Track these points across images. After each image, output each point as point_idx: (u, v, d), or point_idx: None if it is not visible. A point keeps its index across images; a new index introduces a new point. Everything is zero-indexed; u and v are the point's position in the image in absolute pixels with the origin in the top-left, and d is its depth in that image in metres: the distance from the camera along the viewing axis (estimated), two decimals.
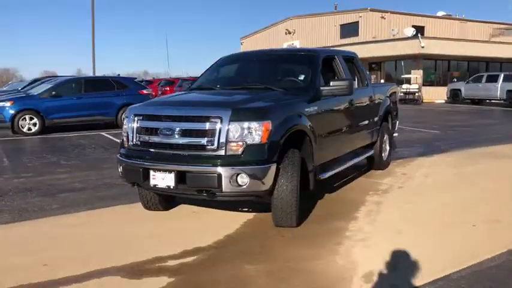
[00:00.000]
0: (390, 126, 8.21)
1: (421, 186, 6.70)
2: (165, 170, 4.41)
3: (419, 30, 39.87)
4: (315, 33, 47.43)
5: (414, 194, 6.23)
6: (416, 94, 30.11)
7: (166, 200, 5.30)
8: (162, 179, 4.42)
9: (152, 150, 4.59)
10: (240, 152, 4.28)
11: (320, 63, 5.73)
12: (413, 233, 4.58)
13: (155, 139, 4.58)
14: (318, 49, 6.31)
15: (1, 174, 7.84)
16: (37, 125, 13.57)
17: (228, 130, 4.29)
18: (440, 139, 12.23)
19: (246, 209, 5.37)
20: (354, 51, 7.33)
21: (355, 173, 7.51)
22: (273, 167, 4.39)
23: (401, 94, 30.81)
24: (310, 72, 5.59)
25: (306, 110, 5.03)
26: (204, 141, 4.35)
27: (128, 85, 15.29)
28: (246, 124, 4.31)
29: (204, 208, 5.47)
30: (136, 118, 4.75)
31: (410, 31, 37.19)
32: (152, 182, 4.49)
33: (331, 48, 6.96)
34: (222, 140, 4.29)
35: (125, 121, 4.94)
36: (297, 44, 49.02)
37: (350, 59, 7.04)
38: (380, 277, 3.55)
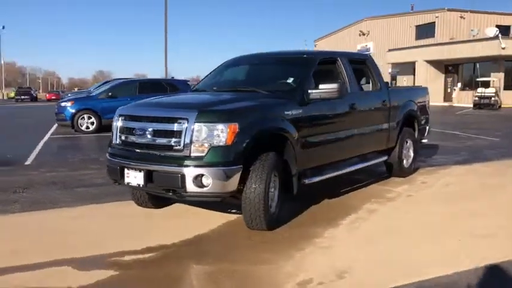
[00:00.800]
0: (416, 132, 7.81)
1: (433, 196, 6.31)
2: (136, 169, 4.59)
3: (504, 30, 37.22)
4: (389, 34, 46.00)
5: (418, 204, 5.89)
6: (493, 99, 28.09)
7: (154, 198, 5.48)
8: (134, 178, 4.61)
9: (128, 149, 4.79)
10: (204, 153, 4.34)
11: (313, 66, 5.63)
12: (385, 244, 4.35)
13: (132, 139, 4.78)
14: (315, 52, 6.18)
15: (39, 168, 8.53)
16: (94, 124, 14.57)
17: (193, 131, 4.38)
18: (494, 147, 11.38)
19: (235, 211, 5.40)
20: (367, 54, 7.06)
21: (371, 179, 7.26)
22: (238, 169, 4.39)
23: (476, 98, 28.98)
24: (300, 75, 5.50)
25: (288, 113, 4.96)
26: (172, 141, 4.47)
27: (179, 87, 15.86)
28: (211, 126, 4.36)
29: (197, 208, 5.57)
30: (120, 118, 4.98)
31: (493, 31, 34.85)
32: (126, 180, 4.69)
33: (336, 50, 6.72)
34: (188, 140, 4.38)
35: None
36: (371, 45, 47.85)
37: (361, 61, 6.81)
38: (317, 285, 3.44)
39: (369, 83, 6.89)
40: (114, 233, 4.79)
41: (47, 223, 5.18)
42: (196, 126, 4.38)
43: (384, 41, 45.61)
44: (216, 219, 5.13)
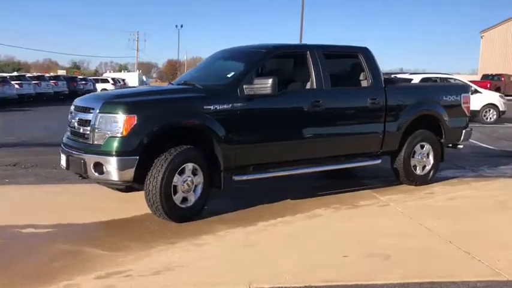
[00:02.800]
0: (444, 136, 6.82)
1: (412, 210, 5.48)
2: (63, 153, 5.11)
3: None
4: None
5: (369, 217, 5.21)
6: None
7: None
8: (62, 161, 5.13)
9: (67, 135, 5.33)
10: (102, 142, 4.64)
11: (259, 61, 5.45)
12: (247, 253, 4.10)
13: (69, 126, 5.32)
14: (270, 45, 5.80)
15: None
16: None
17: (95, 121, 4.70)
18: None
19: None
20: (362, 47, 6.36)
21: (374, 182, 6.67)
22: (133, 160, 4.57)
23: None
24: (241, 70, 5.35)
25: (208, 107, 4.92)
26: (84, 130, 4.87)
27: None
28: (110, 116, 4.63)
29: None
30: (72, 108, 5.55)
31: None
32: (61, 162, 5.25)
33: (309, 43, 6.12)
34: (92, 130, 4.73)
35: None
36: None
37: (349, 55, 6.23)
38: (121, 277, 3.50)
39: (366, 78, 6.26)
40: (48, 207, 5.40)
41: (20, 195, 6.05)
42: (99, 116, 4.69)
43: None
44: None
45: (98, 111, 4.71)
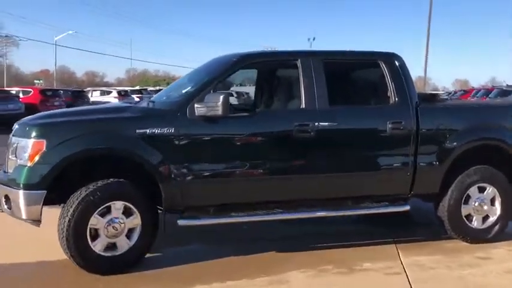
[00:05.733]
0: None
1: (436, 284, 3.78)
2: None
3: None
4: None
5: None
6: None
7: None
8: None
9: None
10: (11, 171, 3.89)
11: (226, 73, 4.26)
12: None
13: None
14: (245, 53, 4.46)
15: None
16: None
17: (10, 145, 3.99)
18: None
19: None
20: (389, 52, 4.71)
21: (411, 231, 5.02)
22: (39, 195, 3.71)
23: None
24: (198, 84, 4.21)
25: (141, 131, 3.87)
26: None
27: None
28: (19, 141, 3.88)
29: None
30: None
31: None
32: None
33: (305, 50, 4.65)
34: (7, 156, 4.01)
35: None
36: None
37: (365, 64, 4.67)
38: None
39: (388, 95, 4.63)
40: None
41: None
42: (12, 140, 3.98)
43: None
44: None
45: (11, 134, 4.00)
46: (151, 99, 4.75)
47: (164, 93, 5.05)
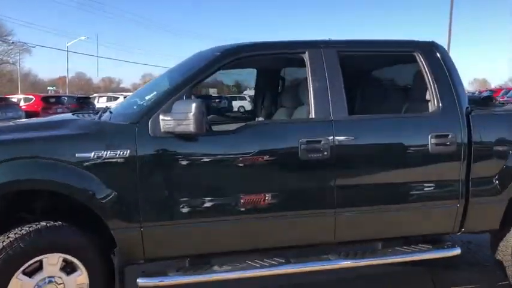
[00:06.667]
0: None
1: None
2: None
3: None
4: None
5: None
6: None
7: None
8: None
9: None
10: None
11: (203, 73, 3.07)
12: None
13: None
14: (232, 45, 3.27)
15: None
16: None
17: None
18: None
19: None
20: (428, 41, 3.51)
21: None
22: None
23: None
24: (164, 90, 3.07)
25: (85, 155, 2.77)
26: None
27: None
28: None
29: None
30: None
31: None
32: None
33: (314, 40, 3.43)
34: None
35: None
36: None
37: (400, 57, 3.48)
38: None
39: (429, 99, 3.43)
40: None
41: None
42: None
43: None
44: None
45: None
46: (112, 108, 3.61)
47: (127, 100, 3.88)
